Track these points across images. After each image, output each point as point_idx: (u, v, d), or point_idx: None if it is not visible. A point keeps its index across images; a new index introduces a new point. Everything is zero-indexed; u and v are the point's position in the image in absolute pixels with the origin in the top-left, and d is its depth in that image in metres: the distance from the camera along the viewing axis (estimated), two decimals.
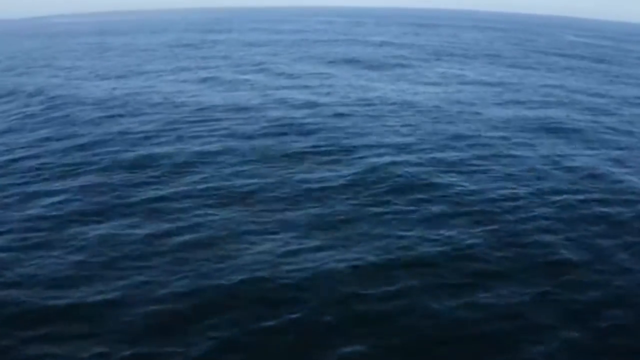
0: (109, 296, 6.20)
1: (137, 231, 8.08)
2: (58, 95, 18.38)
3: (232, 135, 13.61)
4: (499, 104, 17.81)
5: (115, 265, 6.99)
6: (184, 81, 21.03)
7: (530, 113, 16.67)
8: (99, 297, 6.18)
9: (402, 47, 34.66)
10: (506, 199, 9.59)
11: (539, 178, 10.79)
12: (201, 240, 7.76)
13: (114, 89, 19.45)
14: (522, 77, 23.88)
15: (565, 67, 28.44)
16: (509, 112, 16.60)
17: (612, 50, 43.46)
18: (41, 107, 16.75)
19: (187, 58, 27.85)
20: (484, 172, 11.12)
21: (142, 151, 12.17)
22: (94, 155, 11.89)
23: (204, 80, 21.05)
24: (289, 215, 8.86)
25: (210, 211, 8.92)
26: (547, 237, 8.07)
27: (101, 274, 6.72)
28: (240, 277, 6.65)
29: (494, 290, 6.62)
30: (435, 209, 9.13)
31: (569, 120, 15.87)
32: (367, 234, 8.06)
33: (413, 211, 8.99)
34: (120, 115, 15.38)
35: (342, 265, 7.01)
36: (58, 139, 13.08)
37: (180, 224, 8.37)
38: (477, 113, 16.42)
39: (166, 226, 8.27)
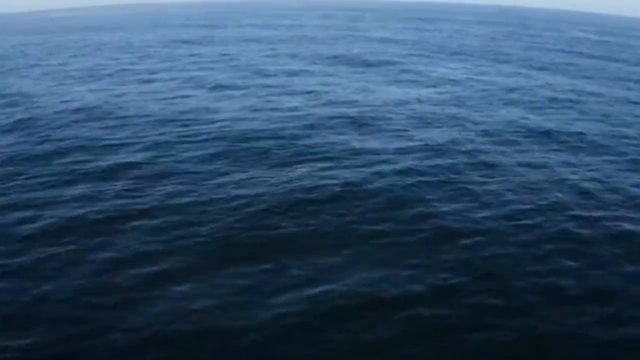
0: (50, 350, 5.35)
1: (99, 255, 7.31)
2: (41, 97, 17.48)
3: (221, 140, 12.82)
4: (506, 109, 16.90)
5: (66, 304, 6.15)
6: (174, 80, 20.11)
7: (540, 118, 15.77)
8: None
9: (402, 44, 33.76)
10: (521, 215, 8.79)
11: (555, 190, 9.98)
12: (165, 274, 6.87)
13: (101, 90, 18.60)
14: (529, 78, 22.89)
15: (572, 66, 27.52)
16: (517, 117, 15.71)
17: (616, 47, 42.54)
18: (20, 108, 15.90)
19: (180, 56, 26.93)
20: (494, 183, 10.32)
21: (119, 159, 11.36)
22: (68, 164, 11.08)
23: (195, 81, 20.12)
24: (271, 236, 8.10)
25: (185, 232, 8.13)
26: (570, 263, 7.27)
27: (48, 317, 5.87)
28: (200, 329, 5.71)
29: (516, 330, 5.81)
30: (438, 228, 8.31)
31: (581, 127, 14.93)
32: (355, 264, 7.18)
33: (413, 231, 8.17)
34: (102, 119, 14.50)
35: (324, 307, 6.08)
36: (31, 146, 12.25)
37: (149, 248, 7.57)
38: (484, 117, 15.55)
39: (131, 250, 7.48)
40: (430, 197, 9.59)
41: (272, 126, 13.98)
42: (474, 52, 31.33)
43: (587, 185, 10.35)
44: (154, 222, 8.45)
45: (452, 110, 16.17)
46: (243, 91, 18.32)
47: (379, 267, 7.04)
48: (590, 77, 24.04)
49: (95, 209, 8.93)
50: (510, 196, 9.63)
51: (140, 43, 33.63)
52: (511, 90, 19.84)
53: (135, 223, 8.37)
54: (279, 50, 28.95)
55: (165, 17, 63.95)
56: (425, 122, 14.81)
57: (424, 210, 9.00)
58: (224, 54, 27.06)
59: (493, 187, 10.08)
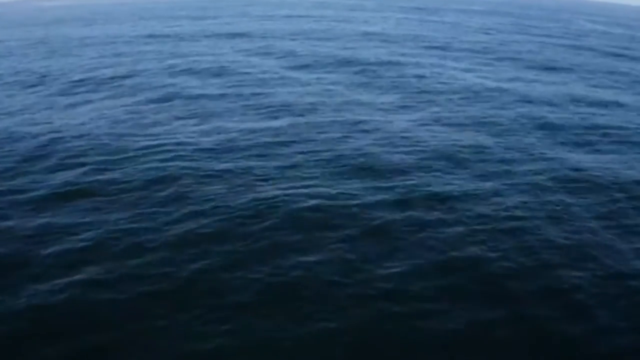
0: None
1: None
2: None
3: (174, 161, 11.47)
4: (516, 129, 14.76)
5: None
6: (144, 89, 18.24)
7: (553, 146, 13.49)
8: None
9: (402, 41, 31.75)
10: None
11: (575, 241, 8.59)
12: None
13: (65, 96, 17.26)
14: (540, 84, 20.84)
15: (585, 67, 25.52)
16: (532, 138, 13.94)
17: (628, 41, 40.81)
18: None
19: (163, 55, 25.14)
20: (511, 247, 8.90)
21: (52, 189, 10.11)
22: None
23: (170, 89, 18.10)
24: (237, 300, 6.85)
25: (126, 294, 6.89)
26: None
27: None
28: None
29: None
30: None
31: (607, 163, 12.35)
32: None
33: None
34: (52, 140, 13.05)
35: None
36: None
37: (72, 321, 6.35)
38: (489, 144, 13.77)
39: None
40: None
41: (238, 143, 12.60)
42: (478, 49, 29.54)
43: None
44: (83, 276, 7.13)
45: (457, 134, 14.25)
46: (220, 105, 16.18)
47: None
48: (608, 82, 21.87)
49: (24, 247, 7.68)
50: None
51: (127, 38, 31.80)
52: (526, 104, 17.66)
53: (58, 274, 7.01)
54: (270, 49, 27.13)
55: (160, 7, 61.89)
56: (417, 152, 12.54)
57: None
58: (209, 54, 25.19)
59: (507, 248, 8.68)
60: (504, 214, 9.32)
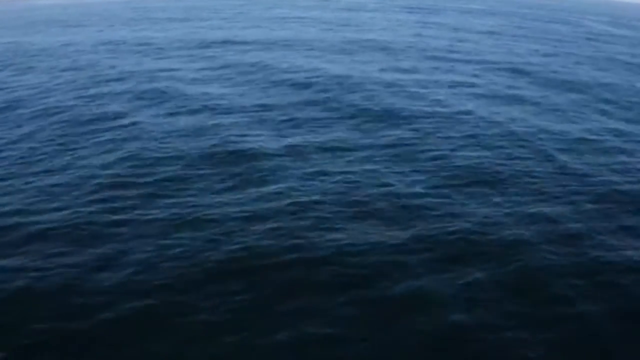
0: None
1: None
2: None
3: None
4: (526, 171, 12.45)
5: None
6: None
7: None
8: None
9: (401, 48, 29.82)
10: None
11: None
12: None
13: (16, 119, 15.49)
14: (552, 112, 18.04)
15: (599, 83, 23.34)
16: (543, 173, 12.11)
17: (637, 42, 38.92)
18: None
19: (142, 64, 23.37)
20: None
21: None
22: None
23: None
24: None
25: None
26: None
27: None
28: None
29: None
30: None
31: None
32: None
33: None
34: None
35: None
36: None
37: None
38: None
39: None
40: None
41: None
42: (489, 59, 27.38)
43: None
44: None
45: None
46: (170, 136, 14.01)
47: None
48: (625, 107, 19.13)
49: None
50: None
51: (107, 47, 29.71)
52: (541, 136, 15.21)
53: None
54: (261, 61, 24.98)
55: (155, 7, 59.89)
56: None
57: None
58: (182, 69, 22.86)
59: None
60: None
